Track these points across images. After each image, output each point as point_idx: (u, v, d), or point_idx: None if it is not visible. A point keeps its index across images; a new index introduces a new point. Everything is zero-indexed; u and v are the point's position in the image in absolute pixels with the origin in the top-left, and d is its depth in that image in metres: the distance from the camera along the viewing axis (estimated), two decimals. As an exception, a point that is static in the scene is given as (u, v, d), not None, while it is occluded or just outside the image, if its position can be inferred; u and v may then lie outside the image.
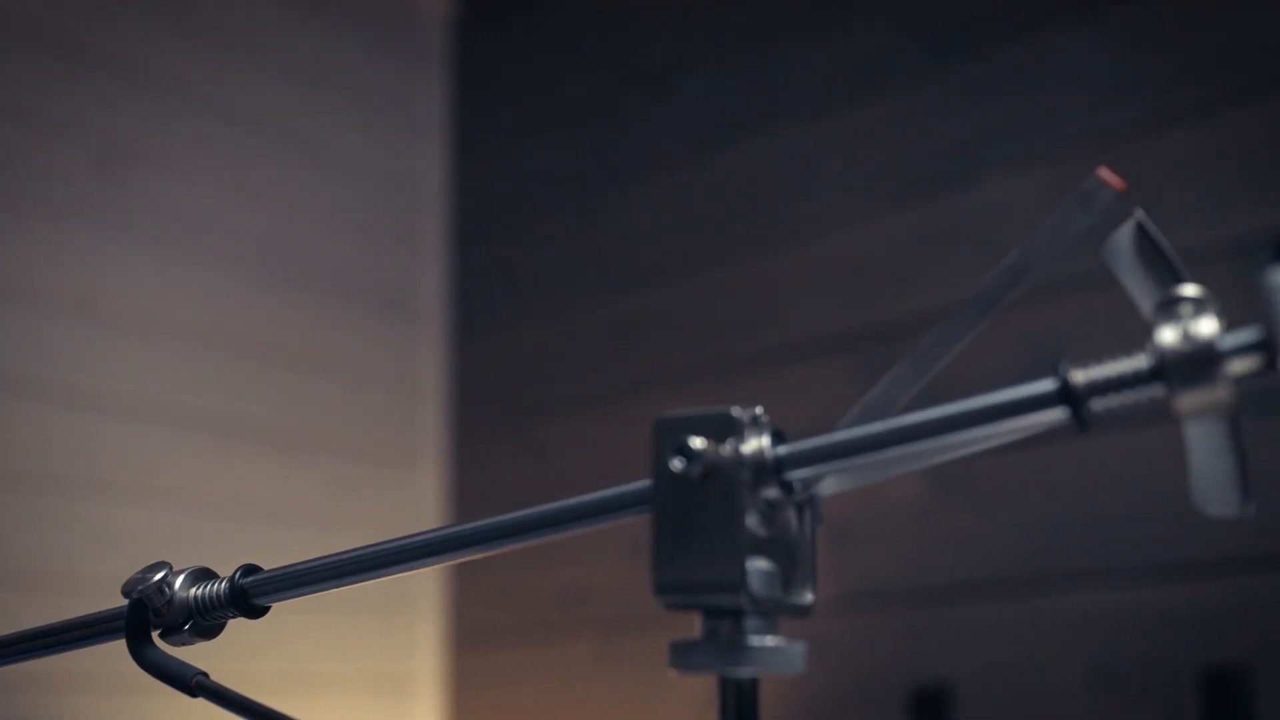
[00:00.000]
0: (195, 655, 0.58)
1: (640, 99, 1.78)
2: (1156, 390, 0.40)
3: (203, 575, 0.59)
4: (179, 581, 0.58)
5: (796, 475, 0.45)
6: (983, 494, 1.36)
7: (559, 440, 1.77)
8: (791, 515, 0.49)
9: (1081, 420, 0.41)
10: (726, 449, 0.44)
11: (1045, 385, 0.41)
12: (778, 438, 0.46)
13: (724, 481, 0.44)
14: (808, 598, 0.48)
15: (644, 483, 0.48)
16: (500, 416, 1.86)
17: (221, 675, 0.56)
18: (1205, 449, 0.40)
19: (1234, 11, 1.28)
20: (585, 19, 1.88)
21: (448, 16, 2.04)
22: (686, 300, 1.67)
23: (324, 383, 1.77)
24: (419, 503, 1.87)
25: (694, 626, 0.46)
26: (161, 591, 0.57)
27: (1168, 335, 0.39)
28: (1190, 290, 0.40)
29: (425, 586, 1.84)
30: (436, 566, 0.54)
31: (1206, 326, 0.39)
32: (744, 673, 0.45)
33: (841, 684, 1.42)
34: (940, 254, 1.45)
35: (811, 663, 0.47)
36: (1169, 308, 0.40)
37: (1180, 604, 1.22)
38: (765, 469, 0.45)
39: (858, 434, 0.44)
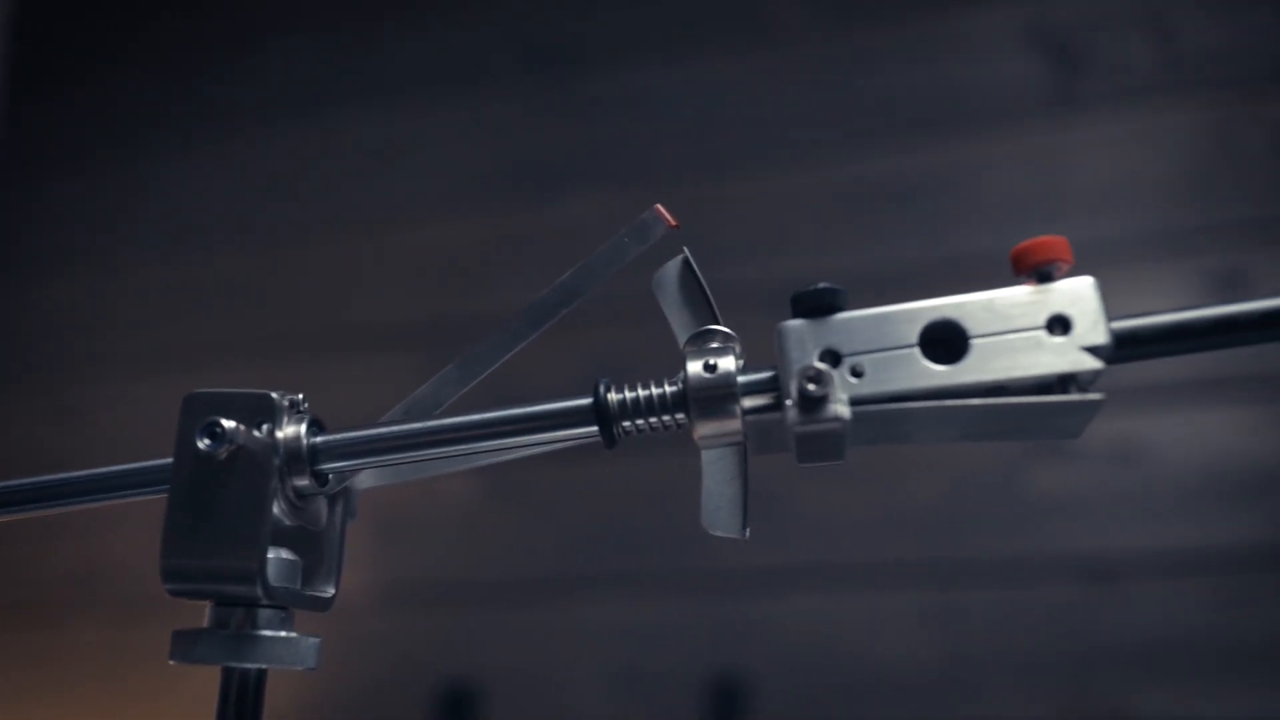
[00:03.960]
0: None
1: (224, 55, 1.68)
2: (680, 417, 0.43)
3: None
4: None
5: (330, 467, 0.44)
6: (530, 500, 1.41)
7: (87, 405, 1.63)
8: (322, 507, 0.48)
9: (610, 437, 0.43)
10: (259, 433, 0.43)
11: (581, 402, 0.43)
12: (316, 426, 0.45)
13: (252, 466, 0.42)
14: (329, 591, 0.48)
15: (167, 460, 0.45)
16: (21, 373, 1.68)
17: None
18: (715, 475, 0.44)
19: (820, 73, 1.42)
20: (176, -41, 1.75)
21: (14, -77, 1.83)
22: (245, 272, 1.59)
23: None
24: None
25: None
26: None
27: (693, 367, 0.42)
28: (719, 328, 0.44)
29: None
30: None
31: (727, 363, 0.42)
32: (251, 666, 0.43)
33: (370, 678, 1.40)
34: (514, 260, 1.48)
35: (342, 656, 0.46)
36: (699, 342, 0.43)
37: (692, 615, 1.32)
38: (298, 457, 0.43)
39: (395, 431, 0.43)
